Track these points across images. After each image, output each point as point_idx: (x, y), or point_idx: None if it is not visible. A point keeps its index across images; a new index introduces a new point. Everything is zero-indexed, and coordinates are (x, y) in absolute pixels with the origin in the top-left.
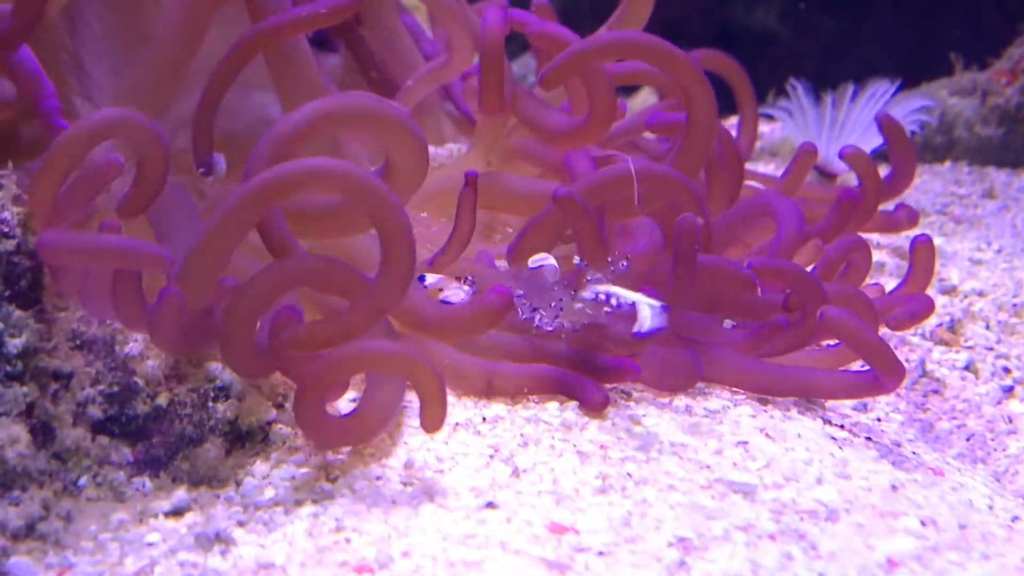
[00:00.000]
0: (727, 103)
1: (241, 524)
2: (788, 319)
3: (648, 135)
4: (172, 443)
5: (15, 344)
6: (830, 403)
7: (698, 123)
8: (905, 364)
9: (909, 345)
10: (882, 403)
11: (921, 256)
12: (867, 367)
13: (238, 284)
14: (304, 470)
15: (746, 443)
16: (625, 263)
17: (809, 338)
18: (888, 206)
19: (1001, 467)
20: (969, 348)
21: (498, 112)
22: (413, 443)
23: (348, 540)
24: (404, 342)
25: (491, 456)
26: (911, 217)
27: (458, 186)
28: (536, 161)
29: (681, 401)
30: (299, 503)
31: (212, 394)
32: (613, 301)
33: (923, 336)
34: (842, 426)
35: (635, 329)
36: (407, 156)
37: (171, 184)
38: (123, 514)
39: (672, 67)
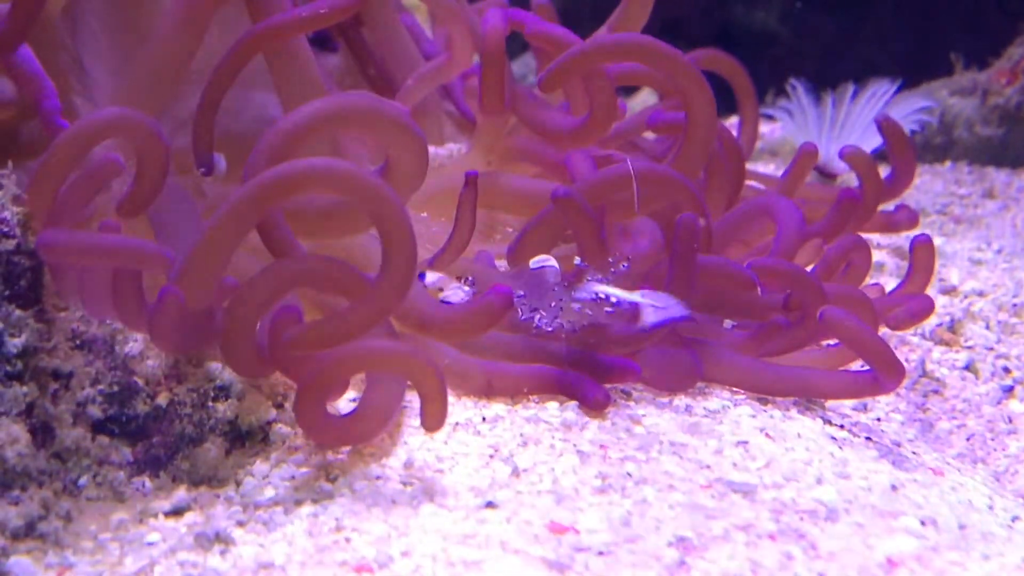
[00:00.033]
0: (728, 103)
1: (241, 524)
2: (788, 319)
3: (648, 135)
4: (172, 443)
5: (15, 343)
6: (830, 403)
7: (697, 123)
8: (905, 364)
9: (909, 345)
10: (882, 403)
11: (921, 256)
12: (867, 367)
13: (239, 284)
14: (304, 470)
15: (746, 443)
16: (626, 264)
17: (809, 338)
18: (888, 206)
19: (1001, 467)
20: (969, 348)
21: (498, 112)
22: (413, 443)
23: (348, 540)
24: (405, 342)
25: (491, 456)
26: (911, 218)
27: (458, 186)
28: (536, 161)
29: (681, 401)
30: (299, 503)
31: (212, 394)
32: (613, 299)
33: (923, 336)
34: (842, 426)
35: (643, 323)
36: (407, 156)
37: (171, 183)
38: (123, 514)
39: (670, 68)
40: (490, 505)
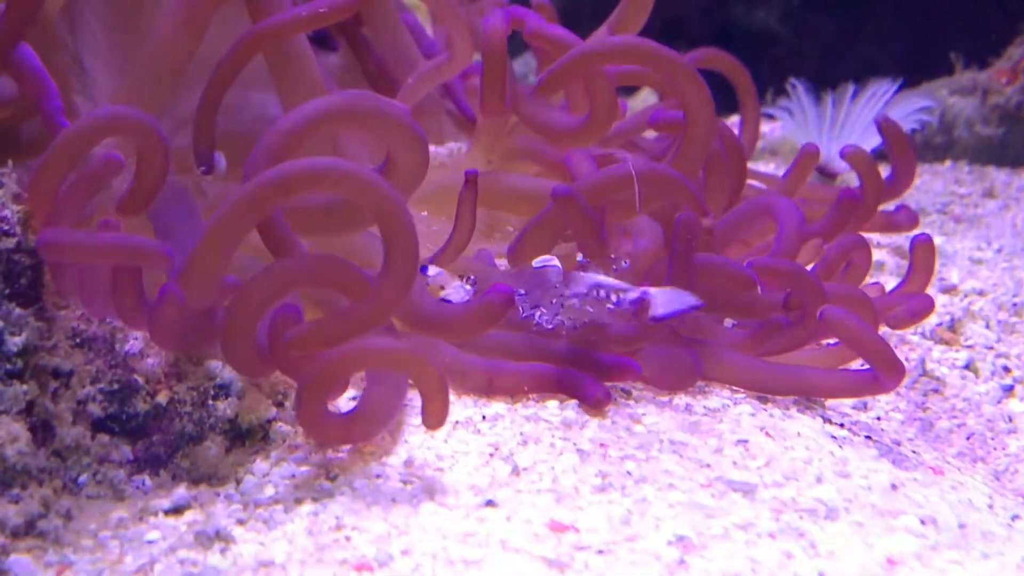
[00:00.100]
0: (729, 102)
1: (241, 522)
2: (788, 318)
3: (647, 134)
4: (172, 441)
5: (15, 342)
6: (830, 402)
7: (696, 123)
8: (905, 363)
9: (909, 344)
10: (882, 402)
11: (921, 255)
12: (867, 366)
13: (239, 283)
14: (304, 468)
15: (746, 442)
16: (627, 262)
17: (809, 337)
18: (888, 207)
19: (1001, 466)
20: (969, 347)
21: (499, 112)
22: (413, 441)
23: (348, 538)
24: (405, 340)
25: (491, 454)
26: (911, 219)
27: (458, 185)
28: (537, 160)
29: (681, 400)
30: (299, 501)
31: (212, 392)
32: (613, 297)
33: (923, 335)
34: (842, 425)
35: (653, 313)
36: (407, 154)
37: (171, 182)
38: (123, 512)
39: (668, 70)
40: (490, 504)
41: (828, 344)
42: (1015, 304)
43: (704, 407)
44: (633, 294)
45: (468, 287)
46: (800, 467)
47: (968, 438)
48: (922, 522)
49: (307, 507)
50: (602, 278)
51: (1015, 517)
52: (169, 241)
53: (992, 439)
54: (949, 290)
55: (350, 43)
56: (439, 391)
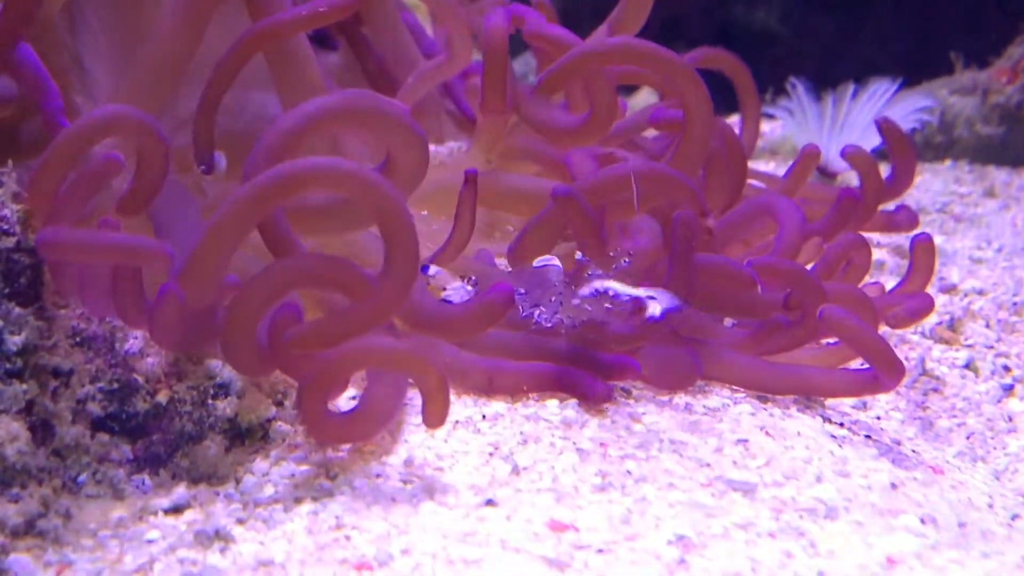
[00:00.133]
0: (729, 101)
1: (241, 521)
2: (788, 318)
3: (647, 133)
4: (172, 440)
5: (15, 341)
6: (830, 401)
7: (695, 122)
8: (905, 362)
9: (909, 343)
10: (882, 401)
11: (921, 254)
12: (866, 365)
13: (240, 283)
14: (304, 467)
15: (746, 441)
16: (627, 260)
17: (809, 336)
18: (888, 206)
19: (1001, 465)
20: (969, 346)
21: (500, 112)
22: (413, 441)
23: (348, 538)
24: (406, 340)
25: (491, 454)
26: (911, 219)
27: (458, 184)
28: (537, 159)
29: (681, 399)
30: (299, 500)
31: (212, 391)
32: (611, 293)
33: (923, 334)
34: (842, 424)
35: (649, 315)
36: (407, 154)
37: (171, 181)
38: (122, 511)
39: (666, 70)
40: (490, 503)
41: (828, 343)
42: (1015, 303)
43: (704, 406)
44: (627, 297)
45: (469, 287)
46: (800, 466)
47: (968, 437)
48: (922, 521)
49: (307, 506)
50: (608, 284)
51: (1015, 516)
52: (169, 240)
53: (992, 438)
54: (949, 289)
55: (350, 42)
56: (439, 390)
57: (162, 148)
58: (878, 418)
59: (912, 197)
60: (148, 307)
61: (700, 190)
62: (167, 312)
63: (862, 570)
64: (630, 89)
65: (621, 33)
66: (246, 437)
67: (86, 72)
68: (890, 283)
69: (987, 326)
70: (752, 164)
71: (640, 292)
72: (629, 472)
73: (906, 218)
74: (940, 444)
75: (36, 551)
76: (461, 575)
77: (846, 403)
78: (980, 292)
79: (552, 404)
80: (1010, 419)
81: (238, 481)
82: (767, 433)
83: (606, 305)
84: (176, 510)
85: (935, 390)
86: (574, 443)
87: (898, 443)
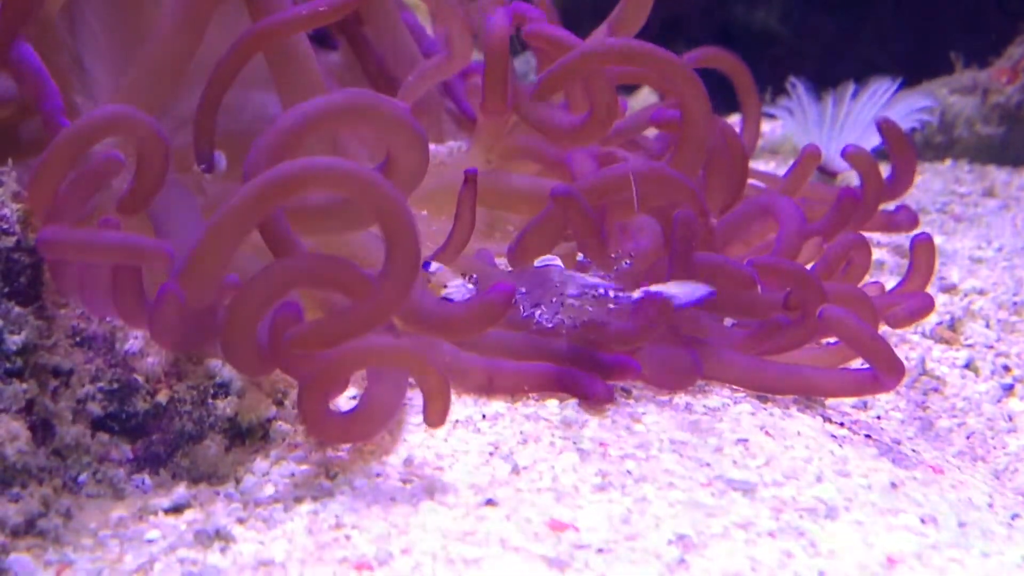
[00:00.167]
0: (730, 101)
1: (241, 521)
2: (788, 317)
3: (647, 133)
4: (172, 440)
5: (15, 341)
6: (830, 401)
7: (693, 122)
8: (905, 362)
9: (909, 343)
10: (882, 401)
11: (921, 254)
12: (867, 365)
13: (240, 282)
14: (304, 467)
15: (746, 441)
16: (628, 262)
17: (809, 336)
18: (888, 206)
19: (1001, 465)
20: (969, 346)
21: (500, 112)
22: (413, 440)
23: (348, 537)
24: (406, 339)
25: (491, 453)
26: (911, 219)
27: (458, 184)
28: (537, 159)
29: (681, 399)
30: (299, 500)
31: (212, 391)
32: (612, 294)
33: (923, 334)
34: (842, 424)
35: (678, 301)
36: (407, 153)
37: (171, 180)
38: (123, 511)
39: (664, 71)
40: (490, 503)
41: (828, 343)
42: (1015, 303)
43: (704, 406)
44: (629, 297)
45: (470, 285)
46: (800, 466)
47: (968, 437)
48: (922, 521)
49: (307, 506)
50: (594, 279)
51: (1015, 516)
52: (169, 240)
53: (992, 438)
54: (949, 289)
55: (350, 42)
56: (440, 389)
57: (162, 148)
58: (878, 418)
59: (912, 197)
60: (148, 307)
61: (700, 190)
62: (167, 312)
63: (862, 570)
64: (630, 88)
65: (621, 33)
66: (246, 437)
67: (86, 72)
68: (890, 283)
69: (987, 326)
70: (752, 164)
71: (664, 288)
72: (629, 472)
73: (906, 218)
74: (940, 444)
75: (36, 551)
76: (461, 574)
77: (846, 403)
78: (980, 292)
79: (552, 404)
80: (1010, 419)
81: (238, 481)
82: (767, 433)
83: (609, 305)
84: (176, 510)
85: (935, 390)
86: (574, 443)
87: (898, 443)
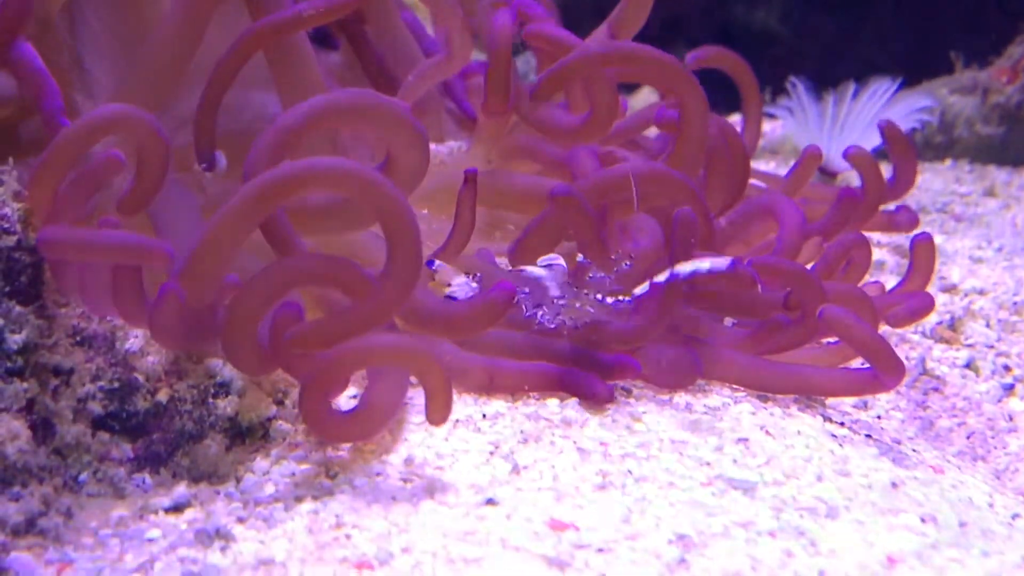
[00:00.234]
0: (731, 101)
1: (241, 520)
2: (788, 317)
3: (646, 133)
4: (172, 439)
5: (15, 340)
6: (830, 400)
7: (691, 122)
8: (905, 362)
9: (909, 343)
10: (882, 400)
11: (921, 254)
12: (867, 365)
13: (241, 282)
14: (304, 466)
15: (746, 440)
16: (628, 263)
17: (809, 336)
18: (889, 206)
19: (1001, 465)
20: (969, 346)
21: (503, 113)
22: (413, 440)
23: (348, 536)
24: (407, 337)
25: (491, 453)
26: (911, 219)
27: (459, 183)
28: (537, 159)
29: (681, 398)
30: (299, 499)
31: (212, 390)
32: (609, 300)
33: (923, 334)
34: (842, 423)
35: (718, 266)
36: (408, 152)
37: (172, 180)
38: (123, 510)
39: (663, 72)
40: (490, 502)
41: (828, 343)
42: (1015, 303)
43: (704, 406)
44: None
45: (474, 284)
46: (800, 465)
47: (968, 437)
48: (922, 520)
49: (307, 505)
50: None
51: (1015, 516)
52: (169, 240)
53: (992, 438)
54: (949, 289)
55: (350, 41)
56: (443, 387)
57: (162, 147)
58: (879, 417)
59: (912, 197)
60: (148, 306)
61: (701, 190)
62: (167, 311)
63: (862, 569)
64: (631, 88)
65: (622, 32)
66: (247, 436)
67: (86, 71)
68: (891, 282)
69: (987, 325)
70: (752, 164)
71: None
72: (629, 471)
73: (906, 218)
74: (940, 443)
75: (37, 550)
76: (461, 574)
77: (847, 402)
78: (980, 292)
79: (552, 403)
80: (1010, 418)
81: (239, 480)
82: (767, 432)
83: (610, 301)
84: (177, 509)
85: (935, 389)
86: (574, 442)
87: (898, 442)
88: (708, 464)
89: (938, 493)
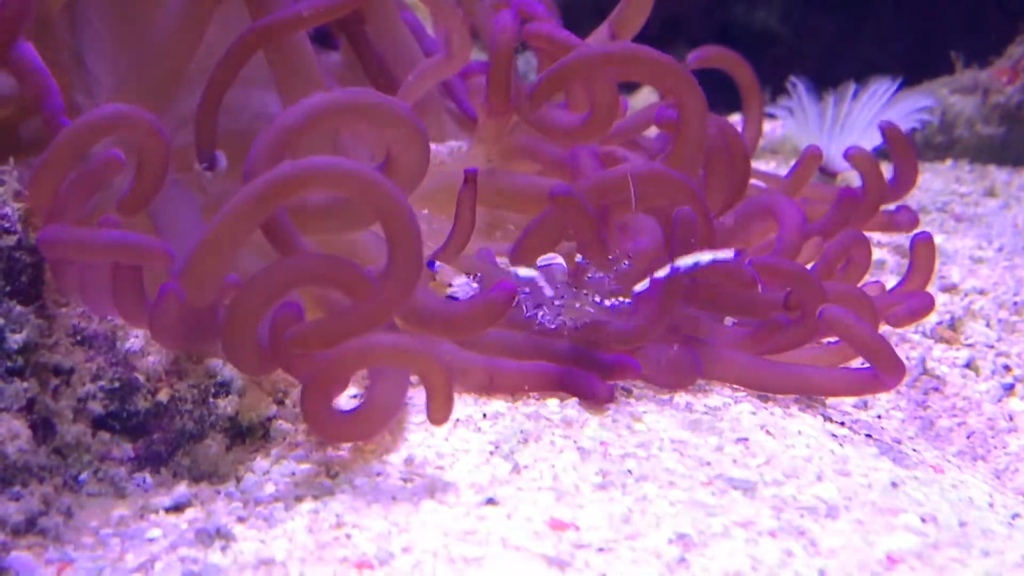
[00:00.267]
0: (732, 101)
1: (241, 520)
2: (788, 317)
3: (646, 133)
4: (173, 439)
5: (16, 339)
6: (831, 400)
7: (690, 122)
8: (906, 362)
9: (910, 343)
10: (882, 400)
11: (921, 253)
12: (867, 364)
13: (240, 282)
14: (305, 466)
15: (746, 440)
16: (627, 262)
17: (809, 336)
18: (889, 206)
19: (1001, 465)
20: (970, 346)
21: (504, 113)
22: (414, 439)
23: (348, 536)
24: (408, 337)
25: (492, 452)
26: (911, 219)
27: (459, 183)
28: (537, 158)
29: (682, 398)
30: (299, 499)
31: (213, 390)
32: (607, 302)
33: (924, 334)
34: (842, 423)
35: (698, 261)
36: (409, 151)
37: (172, 180)
38: (123, 510)
39: (662, 74)
40: (491, 502)
41: (828, 343)
42: (1016, 303)
43: (705, 405)
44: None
45: (475, 284)
46: (801, 465)
47: (968, 437)
48: (922, 520)
49: (308, 505)
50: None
51: (1015, 515)
52: (170, 239)
53: (992, 438)
54: (950, 289)
55: (351, 41)
56: (444, 386)
57: (163, 147)
58: (879, 417)
59: (913, 197)
60: (149, 306)
61: (701, 190)
62: (168, 311)
63: (863, 569)
64: (631, 87)
65: (622, 32)
66: (247, 435)
67: (87, 71)
68: (891, 282)
69: (988, 325)
70: (753, 164)
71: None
72: (630, 471)
73: (907, 218)
74: (941, 443)
75: (37, 549)
76: (462, 573)
77: (847, 402)
78: (981, 291)
79: (553, 403)
80: (1011, 418)
81: (239, 479)
82: (768, 432)
83: (609, 303)
84: (177, 508)
85: (936, 389)
86: (575, 442)
87: (899, 442)
88: (708, 464)
89: (938, 493)
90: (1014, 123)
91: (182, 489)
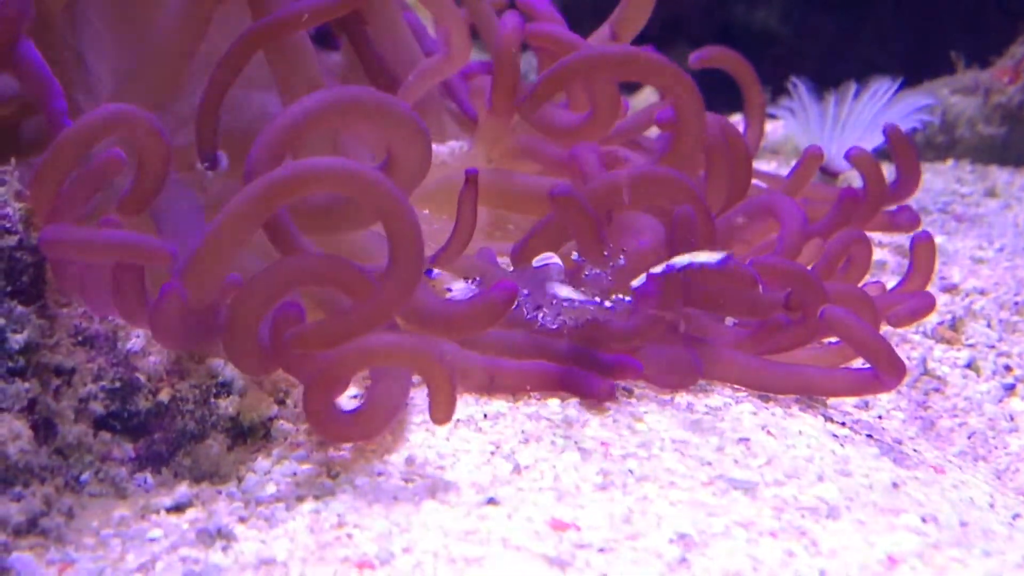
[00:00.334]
0: (732, 101)
1: (243, 520)
2: (789, 317)
3: (647, 134)
4: (174, 439)
5: (17, 340)
6: (831, 401)
7: (686, 120)
8: (906, 362)
9: (910, 343)
10: (883, 401)
11: (921, 253)
12: (868, 365)
13: (242, 281)
14: (306, 466)
15: (747, 440)
16: (623, 259)
17: (810, 336)
18: (890, 207)
19: (1002, 465)
20: (970, 346)
21: (508, 113)
22: (415, 439)
23: (350, 536)
24: (409, 337)
25: (492, 452)
26: (912, 220)
27: (460, 183)
28: (538, 158)
29: (683, 398)
30: (301, 499)
31: (214, 390)
32: (606, 303)
33: (924, 334)
34: (843, 423)
35: (691, 261)
36: (410, 150)
37: (173, 180)
38: (125, 510)
39: (661, 75)
40: (491, 502)
41: (829, 343)
42: (1016, 303)
43: (706, 405)
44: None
45: (474, 287)
46: (802, 465)
47: (969, 437)
48: (923, 520)
49: (309, 505)
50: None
51: (1016, 516)
52: (171, 239)
53: (993, 438)
54: (950, 289)
55: (351, 40)
56: (446, 386)
57: (163, 147)
58: (880, 417)
59: (913, 197)
60: (150, 306)
61: (701, 191)
62: (169, 311)
63: (864, 569)
64: (632, 88)
65: (623, 33)
66: (248, 436)
67: (88, 70)
68: (892, 282)
69: (988, 326)
70: (754, 164)
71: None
72: (631, 471)
73: (907, 218)
74: (941, 443)
75: (38, 550)
76: (462, 573)
77: (848, 402)
78: (981, 292)
79: (553, 403)
80: (1011, 418)
81: (240, 480)
82: (769, 432)
83: (608, 304)
84: (178, 509)
85: (936, 390)
86: (575, 442)
87: (899, 442)
88: (709, 464)
89: (939, 493)
90: (1015, 123)
91: (183, 489)
